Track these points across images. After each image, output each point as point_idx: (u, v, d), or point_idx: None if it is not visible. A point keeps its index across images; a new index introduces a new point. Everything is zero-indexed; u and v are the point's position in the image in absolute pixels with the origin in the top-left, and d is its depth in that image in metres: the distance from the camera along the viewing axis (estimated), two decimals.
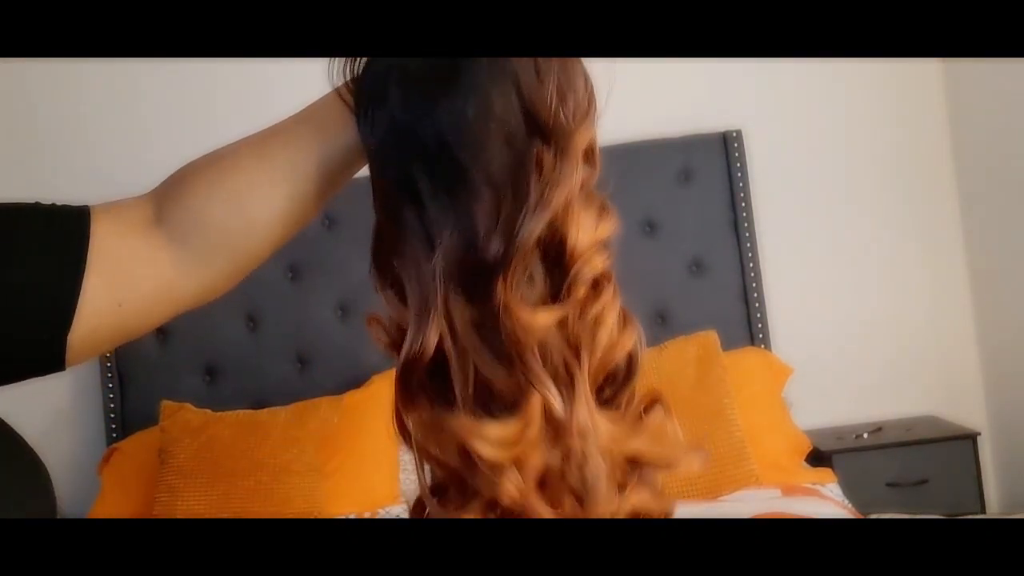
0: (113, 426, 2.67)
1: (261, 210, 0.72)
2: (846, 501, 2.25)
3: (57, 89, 2.80)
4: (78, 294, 0.68)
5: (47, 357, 0.69)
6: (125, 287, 0.71)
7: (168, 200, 0.73)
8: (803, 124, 2.82)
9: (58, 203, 0.73)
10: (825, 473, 2.39)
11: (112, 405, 2.67)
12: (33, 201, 0.71)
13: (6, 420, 0.68)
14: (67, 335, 0.68)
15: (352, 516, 2.30)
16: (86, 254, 0.69)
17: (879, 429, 2.67)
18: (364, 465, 2.40)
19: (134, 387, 2.67)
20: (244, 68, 2.73)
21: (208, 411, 2.47)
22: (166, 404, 2.51)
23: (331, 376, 2.65)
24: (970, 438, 2.57)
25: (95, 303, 0.69)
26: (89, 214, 0.71)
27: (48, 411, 2.74)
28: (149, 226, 0.73)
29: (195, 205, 0.72)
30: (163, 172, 0.77)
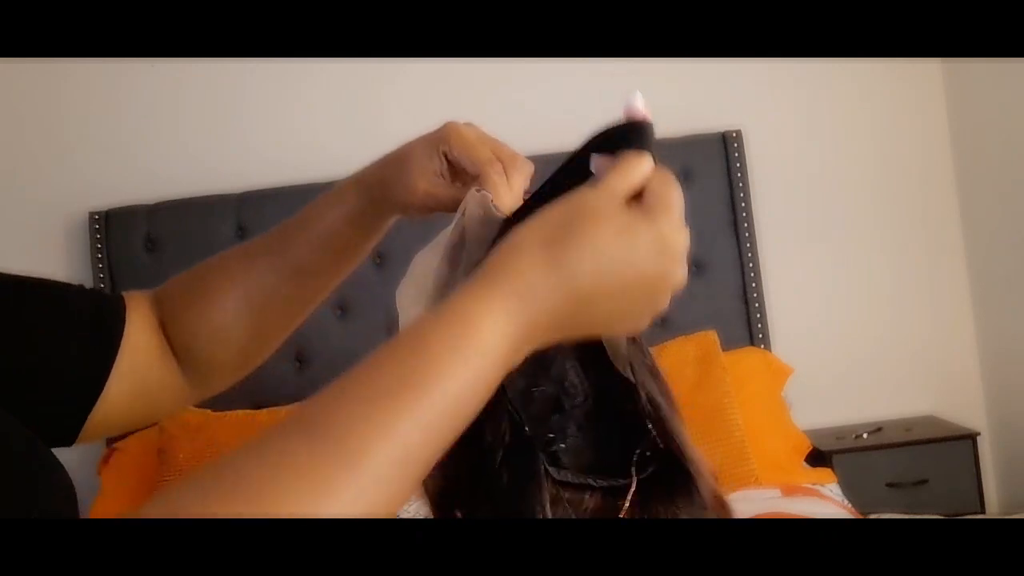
0: None
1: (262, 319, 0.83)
2: (846, 501, 2.25)
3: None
4: (107, 378, 0.73)
5: (64, 431, 0.74)
6: (141, 385, 0.77)
7: (167, 325, 0.80)
8: (803, 124, 2.82)
9: (95, 288, 0.79)
10: (825, 473, 2.39)
11: None
12: (78, 283, 0.76)
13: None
14: (89, 414, 0.73)
15: None
16: (119, 345, 0.75)
17: (879, 429, 2.66)
18: None
19: None
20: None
21: (208, 411, 2.46)
22: None
23: (330, 376, 2.61)
24: (970, 438, 2.56)
25: (118, 394, 0.75)
26: (125, 306, 0.77)
27: None
28: (164, 340, 0.79)
29: (189, 330, 0.80)
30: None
